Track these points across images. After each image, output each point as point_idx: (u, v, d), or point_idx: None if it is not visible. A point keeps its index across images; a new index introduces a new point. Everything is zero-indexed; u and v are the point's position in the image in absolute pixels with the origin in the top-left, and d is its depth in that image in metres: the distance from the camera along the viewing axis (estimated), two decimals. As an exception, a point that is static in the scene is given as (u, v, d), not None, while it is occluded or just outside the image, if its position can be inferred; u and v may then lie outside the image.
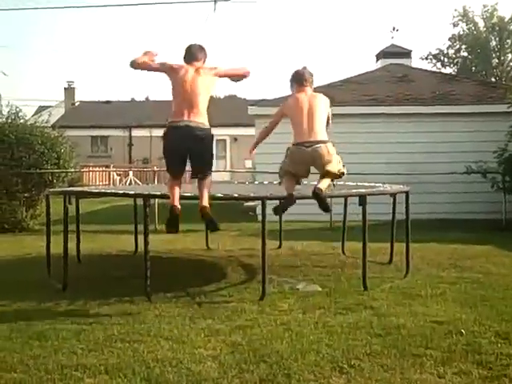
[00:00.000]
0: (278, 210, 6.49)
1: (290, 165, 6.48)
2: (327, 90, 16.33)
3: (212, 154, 6.18)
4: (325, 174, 6.32)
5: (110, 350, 4.57)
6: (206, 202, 5.96)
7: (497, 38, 45.51)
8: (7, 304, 6.04)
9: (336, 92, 16.16)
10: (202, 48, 6.34)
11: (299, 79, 6.74)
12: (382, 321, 5.34)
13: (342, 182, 9.33)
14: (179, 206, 5.98)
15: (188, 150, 5.92)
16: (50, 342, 4.79)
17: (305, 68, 6.90)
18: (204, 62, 6.30)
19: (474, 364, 4.23)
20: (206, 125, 5.98)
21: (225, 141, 34.23)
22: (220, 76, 6.29)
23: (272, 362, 4.28)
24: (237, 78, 6.56)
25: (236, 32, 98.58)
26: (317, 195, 6.16)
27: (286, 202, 6.40)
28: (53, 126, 15.42)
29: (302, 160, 6.37)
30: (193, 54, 6.25)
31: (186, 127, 5.87)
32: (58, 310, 5.79)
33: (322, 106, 6.55)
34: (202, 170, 6.09)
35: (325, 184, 6.32)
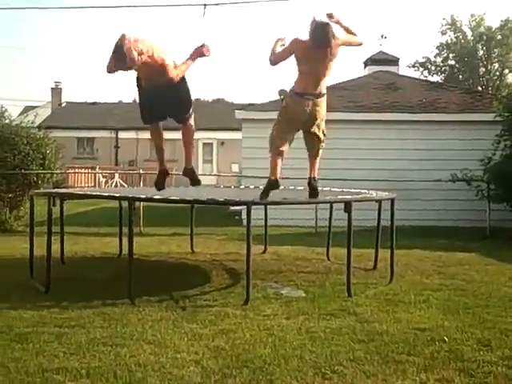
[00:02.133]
0: (263, 195, 6.45)
1: (285, 127, 6.36)
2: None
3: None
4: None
5: (91, 354, 4.54)
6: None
7: (484, 48, 45.90)
8: (-11, 306, 5.98)
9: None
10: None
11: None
12: (366, 327, 5.35)
13: (327, 188, 9.38)
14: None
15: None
16: (32, 344, 4.75)
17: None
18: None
19: (456, 371, 4.24)
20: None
21: (211, 144, 34.21)
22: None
23: (255, 368, 4.27)
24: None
25: (226, 36, 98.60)
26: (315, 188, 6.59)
27: (272, 186, 6.41)
28: (39, 127, 15.33)
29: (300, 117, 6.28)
30: None
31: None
32: (41, 312, 5.73)
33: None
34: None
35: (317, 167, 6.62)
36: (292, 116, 6.36)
